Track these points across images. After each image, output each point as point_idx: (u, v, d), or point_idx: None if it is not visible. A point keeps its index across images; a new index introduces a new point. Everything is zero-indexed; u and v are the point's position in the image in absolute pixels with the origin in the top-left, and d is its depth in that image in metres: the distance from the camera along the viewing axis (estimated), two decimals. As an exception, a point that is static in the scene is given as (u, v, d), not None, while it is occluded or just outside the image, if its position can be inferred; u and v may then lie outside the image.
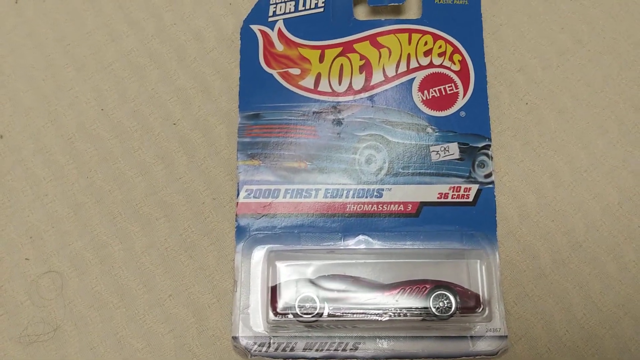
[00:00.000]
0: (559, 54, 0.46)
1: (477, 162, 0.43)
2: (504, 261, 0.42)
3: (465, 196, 0.42)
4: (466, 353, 0.40)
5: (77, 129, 0.45)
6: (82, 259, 0.43)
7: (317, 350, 0.40)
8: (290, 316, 0.38)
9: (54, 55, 0.47)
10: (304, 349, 0.40)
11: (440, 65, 0.44)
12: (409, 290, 0.38)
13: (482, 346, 0.40)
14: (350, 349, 0.40)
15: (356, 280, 0.39)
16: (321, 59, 0.44)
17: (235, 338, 0.40)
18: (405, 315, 0.38)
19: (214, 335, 0.41)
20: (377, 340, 0.40)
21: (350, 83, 0.44)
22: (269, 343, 0.40)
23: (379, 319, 0.38)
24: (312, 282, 0.39)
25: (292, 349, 0.40)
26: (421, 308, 0.38)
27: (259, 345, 0.40)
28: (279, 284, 0.39)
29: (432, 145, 0.43)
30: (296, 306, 0.38)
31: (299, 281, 0.39)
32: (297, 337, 0.40)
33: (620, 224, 0.43)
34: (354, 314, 0.38)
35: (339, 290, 0.39)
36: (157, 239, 0.43)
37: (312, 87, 0.44)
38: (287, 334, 0.40)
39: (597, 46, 0.46)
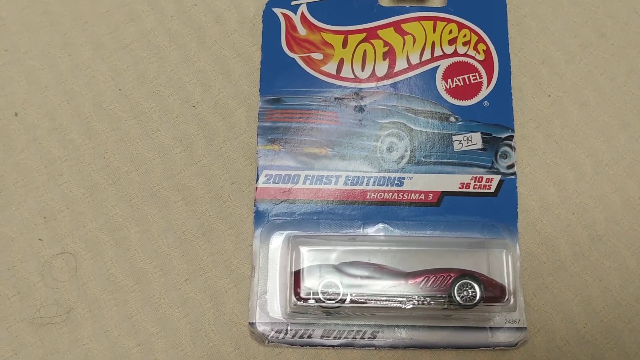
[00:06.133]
0: (582, 47, 0.46)
1: (499, 153, 0.42)
2: (524, 253, 0.42)
3: (487, 187, 0.42)
4: (485, 344, 0.39)
5: (93, 109, 0.44)
6: (97, 240, 0.42)
7: (334, 337, 0.39)
8: (313, 301, 0.38)
9: (70, 33, 0.46)
10: (322, 337, 0.39)
11: (465, 55, 0.44)
12: (433, 279, 0.38)
13: (501, 337, 0.40)
14: (369, 337, 0.39)
15: (379, 268, 0.39)
16: (344, 44, 0.44)
17: (252, 324, 0.40)
18: (429, 303, 0.38)
19: (231, 320, 0.41)
20: (396, 329, 0.40)
21: (374, 70, 0.43)
22: (286, 329, 0.39)
23: (403, 306, 0.38)
24: (335, 268, 0.39)
25: (309, 336, 0.39)
26: (445, 297, 0.38)
27: (276, 332, 0.39)
28: (302, 269, 0.39)
29: (454, 134, 0.43)
30: (319, 291, 0.38)
31: (323, 267, 0.38)
32: (315, 324, 0.40)
33: (641, 218, 0.43)
34: (377, 300, 0.38)
35: (362, 277, 0.38)
36: (174, 222, 0.42)
37: (335, 73, 0.43)
38: (304, 321, 0.39)
39: (620, 40, 0.46)
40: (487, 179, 0.42)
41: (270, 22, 0.44)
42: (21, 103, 0.45)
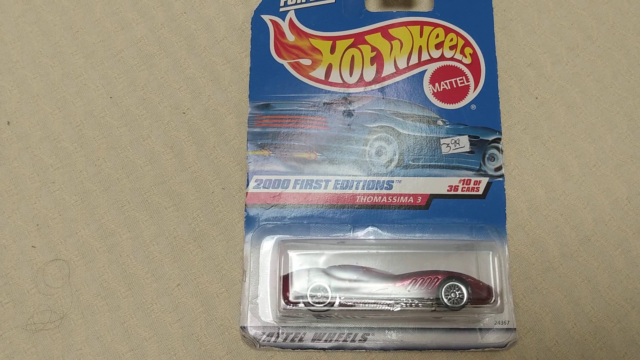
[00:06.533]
0: (568, 49, 0.46)
1: (487, 155, 0.43)
2: (513, 254, 0.42)
3: (475, 189, 0.42)
4: (475, 345, 0.40)
5: (85, 117, 0.45)
6: (89, 247, 0.43)
7: (325, 340, 0.40)
8: (302, 305, 0.38)
9: (62, 42, 0.46)
10: (313, 340, 0.40)
11: (452, 58, 0.44)
12: (420, 281, 0.38)
13: (491, 338, 0.40)
14: (359, 340, 0.40)
15: (368, 271, 0.39)
16: (332, 49, 0.44)
17: (243, 328, 0.40)
18: (417, 305, 0.38)
19: (222, 325, 0.41)
20: (386, 331, 0.40)
21: (361, 74, 0.44)
22: (278, 333, 0.40)
23: (391, 309, 0.38)
24: (324, 271, 0.39)
25: (300, 340, 0.40)
26: (433, 299, 0.38)
27: (268, 335, 0.40)
28: (291, 273, 0.39)
29: (442, 137, 0.43)
30: (308, 295, 0.38)
31: (311, 270, 0.39)
32: (306, 327, 0.40)
33: (628, 218, 0.43)
34: (365, 303, 0.38)
35: (350, 280, 0.39)
36: (166, 228, 0.43)
37: (323, 78, 0.44)
38: (295, 324, 0.40)
39: (606, 42, 0.46)
40: (475, 181, 0.42)
41: (258, 29, 0.45)
42: (13, 112, 0.45)
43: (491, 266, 0.40)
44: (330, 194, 0.42)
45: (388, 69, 0.44)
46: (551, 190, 0.43)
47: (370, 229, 0.42)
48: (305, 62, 0.44)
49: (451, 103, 0.43)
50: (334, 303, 0.38)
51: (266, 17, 0.45)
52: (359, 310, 0.38)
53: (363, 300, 0.38)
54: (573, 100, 0.45)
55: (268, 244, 0.41)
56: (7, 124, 0.45)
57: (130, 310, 0.41)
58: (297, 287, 0.38)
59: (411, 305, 0.38)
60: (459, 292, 0.38)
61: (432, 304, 0.38)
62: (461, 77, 0.44)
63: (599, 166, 0.44)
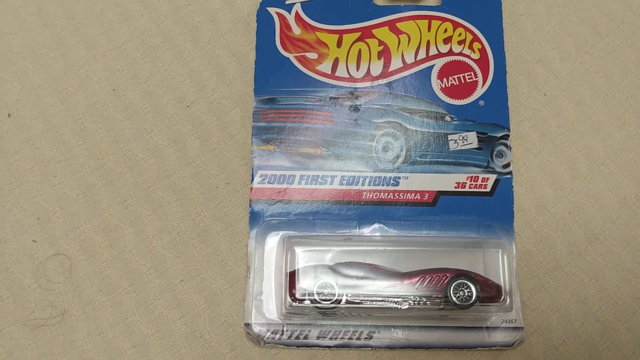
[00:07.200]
0: (577, 45, 0.46)
1: (495, 152, 0.42)
2: (521, 252, 0.42)
3: (482, 186, 0.42)
4: (482, 344, 0.39)
5: (87, 109, 0.44)
6: (91, 242, 0.42)
7: (331, 338, 0.39)
8: (308, 302, 0.38)
9: (63, 33, 0.46)
10: (318, 337, 0.39)
11: (460, 53, 0.43)
12: (429, 279, 0.38)
13: (498, 337, 0.39)
14: (365, 338, 0.39)
15: (375, 268, 0.39)
16: (339, 43, 0.44)
17: (247, 325, 0.39)
18: (425, 303, 0.38)
19: (226, 321, 0.41)
20: (392, 329, 0.40)
21: (368, 69, 0.43)
22: (282, 330, 0.39)
23: (398, 306, 0.38)
24: (330, 268, 0.38)
25: (305, 337, 0.39)
26: (441, 297, 0.38)
27: (272, 333, 0.39)
28: (298, 269, 0.38)
29: (450, 133, 0.42)
30: (315, 292, 0.38)
31: (318, 267, 0.38)
32: (311, 325, 0.39)
33: (637, 216, 0.43)
34: (372, 301, 0.38)
35: (357, 277, 0.38)
36: (169, 223, 0.42)
37: (330, 72, 0.43)
38: (300, 322, 0.39)
39: (616, 39, 0.46)
40: (482, 178, 0.42)
41: (264, 22, 0.44)
42: (14, 104, 0.44)
43: (500, 264, 0.39)
44: (336, 190, 0.42)
45: (395, 63, 0.43)
46: (559, 188, 0.43)
47: (376, 225, 0.41)
48: (312, 55, 0.43)
49: (459, 99, 0.43)
50: (341, 300, 0.38)
51: (272, 10, 0.44)
52: (366, 307, 0.38)
53: (370, 298, 0.38)
54: (582, 97, 0.45)
55: (273, 240, 0.41)
56: (7, 116, 0.44)
57: (132, 306, 0.41)
58: (304, 283, 0.38)
59: (419, 303, 0.38)
60: (468, 290, 0.38)
61: (440, 302, 0.38)
62: (469, 73, 0.43)
63: (607, 164, 0.43)
